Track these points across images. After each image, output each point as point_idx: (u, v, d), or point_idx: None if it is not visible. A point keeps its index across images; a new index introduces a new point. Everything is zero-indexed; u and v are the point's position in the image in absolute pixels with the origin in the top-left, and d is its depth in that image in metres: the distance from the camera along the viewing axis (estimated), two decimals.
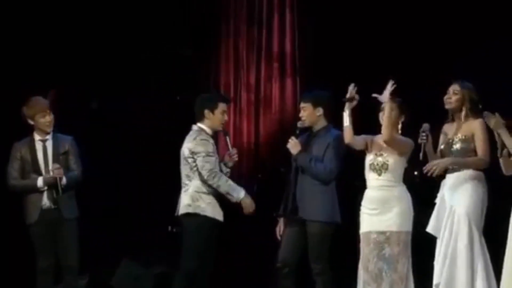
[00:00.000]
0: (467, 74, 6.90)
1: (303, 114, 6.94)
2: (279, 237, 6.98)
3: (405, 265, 6.47)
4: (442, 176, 6.51)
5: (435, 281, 6.43)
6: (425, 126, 6.50)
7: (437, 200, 6.53)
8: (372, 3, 9.02)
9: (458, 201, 6.37)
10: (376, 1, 9.01)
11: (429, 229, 6.50)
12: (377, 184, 6.55)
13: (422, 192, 6.82)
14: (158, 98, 9.67)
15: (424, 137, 6.44)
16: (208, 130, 6.97)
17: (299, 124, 6.94)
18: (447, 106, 6.55)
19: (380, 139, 6.57)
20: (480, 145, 6.40)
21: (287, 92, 9.56)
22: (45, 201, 7.06)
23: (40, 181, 7.05)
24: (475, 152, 6.42)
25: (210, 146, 6.87)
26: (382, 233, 6.49)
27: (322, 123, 6.93)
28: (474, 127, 6.43)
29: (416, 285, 6.61)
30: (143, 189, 9.52)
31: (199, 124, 7.03)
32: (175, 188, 9.48)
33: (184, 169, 7.01)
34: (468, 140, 6.43)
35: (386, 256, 6.46)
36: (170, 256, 9.16)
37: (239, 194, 6.77)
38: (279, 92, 9.56)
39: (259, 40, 9.63)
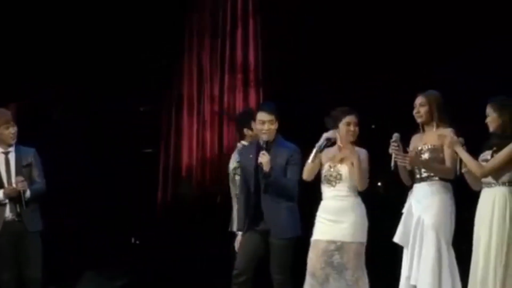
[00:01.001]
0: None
1: (270, 127, 6.75)
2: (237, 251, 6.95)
3: (354, 275, 6.49)
4: (409, 187, 6.55)
5: None
6: (396, 135, 6.48)
7: (404, 210, 6.54)
8: (334, 13, 9.07)
9: (425, 212, 6.36)
10: (337, 12, 9.06)
11: (396, 239, 6.49)
12: (332, 194, 6.55)
13: (386, 202, 6.85)
14: (120, 110, 9.64)
15: (396, 147, 6.45)
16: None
17: (265, 138, 6.71)
18: (418, 120, 6.50)
19: (333, 151, 6.62)
20: (449, 155, 6.38)
21: (250, 103, 9.56)
22: (8, 214, 6.97)
23: (0, 194, 6.99)
24: (443, 162, 6.41)
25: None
26: (333, 242, 6.48)
27: (275, 135, 6.84)
28: (443, 136, 6.42)
29: None
30: (106, 201, 9.47)
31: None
32: (138, 200, 9.53)
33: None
34: (438, 150, 6.41)
35: (335, 264, 6.45)
36: (133, 268, 9.17)
37: None
38: (243, 103, 9.58)
39: (222, 52, 9.64)
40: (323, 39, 9.14)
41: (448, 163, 6.36)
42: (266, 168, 6.62)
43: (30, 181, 7.07)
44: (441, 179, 6.40)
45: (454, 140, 6.22)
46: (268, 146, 6.69)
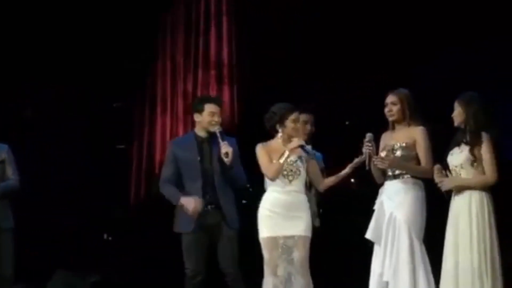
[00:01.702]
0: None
1: (219, 118, 6.87)
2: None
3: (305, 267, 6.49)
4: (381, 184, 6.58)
5: (371, 287, 6.42)
6: (369, 135, 6.50)
7: (376, 207, 6.57)
8: (309, 11, 9.09)
9: (398, 208, 6.39)
10: (313, 10, 9.08)
11: (368, 235, 6.52)
12: (287, 189, 6.55)
13: (360, 200, 6.86)
14: (94, 105, 9.60)
15: (370, 147, 6.47)
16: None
17: (217, 129, 6.77)
18: (390, 119, 6.54)
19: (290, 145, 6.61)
20: (423, 154, 6.42)
21: (224, 100, 9.57)
22: None
23: None
24: (416, 159, 6.45)
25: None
26: (291, 237, 6.49)
27: None
28: (415, 134, 6.45)
29: None
30: (78, 197, 9.42)
31: None
32: (111, 196, 9.49)
33: None
34: (410, 147, 6.45)
35: (294, 261, 6.47)
36: (105, 265, 9.13)
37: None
38: None
39: (196, 48, 9.62)
40: (297, 36, 9.16)
41: (424, 163, 6.40)
42: (230, 158, 6.66)
43: (3, 177, 7.02)
44: (413, 176, 6.43)
45: (393, 161, 6.33)
46: (207, 138, 6.82)
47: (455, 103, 6.26)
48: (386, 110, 6.54)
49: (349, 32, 9.04)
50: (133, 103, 9.84)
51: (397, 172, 6.46)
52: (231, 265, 6.73)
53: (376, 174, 6.55)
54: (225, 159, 6.66)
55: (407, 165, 6.42)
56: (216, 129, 6.75)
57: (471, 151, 6.13)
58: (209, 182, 6.76)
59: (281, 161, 6.48)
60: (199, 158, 6.77)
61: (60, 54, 9.38)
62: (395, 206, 6.39)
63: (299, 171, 6.57)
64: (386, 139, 6.58)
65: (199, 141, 6.83)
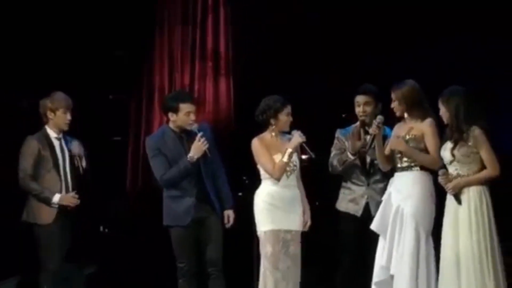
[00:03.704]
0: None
1: (195, 116, 6.86)
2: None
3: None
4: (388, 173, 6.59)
5: (375, 279, 6.46)
6: (380, 117, 6.56)
7: (383, 198, 6.56)
8: (306, 3, 9.08)
9: (405, 201, 6.40)
10: (311, 1, 9.08)
11: (373, 226, 6.52)
12: (285, 183, 6.59)
13: None
14: (90, 97, 9.58)
15: (378, 129, 6.48)
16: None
17: (194, 127, 6.77)
18: (397, 114, 6.58)
19: (281, 142, 6.62)
20: (431, 145, 6.43)
21: (221, 91, 9.56)
22: None
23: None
24: (425, 151, 6.45)
25: None
26: (289, 231, 6.53)
27: None
28: (424, 127, 6.46)
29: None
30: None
31: None
32: (109, 188, 9.47)
33: None
34: (418, 139, 6.46)
35: (291, 254, 6.51)
36: (102, 256, 9.12)
37: None
38: (213, 91, 9.56)
39: (193, 39, 9.62)
40: (293, 28, 9.15)
41: (432, 152, 6.39)
42: (209, 153, 6.70)
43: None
44: (421, 168, 6.43)
45: (399, 143, 6.35)
46: (185, 132, 6.81)
47: (438, 102, 6.28)
48: (391, 105, 6.58)
49: (346, 25, 9.04)
50: (130, 95, 9.82)
51: (405, 164, 6.48)
52: (218, 257, 6.78)
53: (380, 160, 6.57)
54: (209, 155, 6.71)
55: (414, 152, 6.42)
56: (194, 127, 6.75)
57: (453, 149, 6.15)
58: (198, 176, 6.77)
59: (285, 160, 6.51)
60: (184, 154, 6.75)
61: (55, 45, 9.35)
62: (402, 199, 6.40)
63: (296, 166, 6.60)
64: (398, 130, 6.60)
65: (178, 136, 6.82)
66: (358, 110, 6.81)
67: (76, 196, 6.98)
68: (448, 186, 6.18)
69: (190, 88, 9.51)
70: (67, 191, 7.02)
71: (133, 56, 9.74)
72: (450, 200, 6.23)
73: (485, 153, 6.14)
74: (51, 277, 6.98)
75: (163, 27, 9.77)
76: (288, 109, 6.60)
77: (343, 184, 6.91)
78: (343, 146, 6.86)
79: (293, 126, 6.69)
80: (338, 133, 6.96)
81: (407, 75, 6.65)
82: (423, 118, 6.47)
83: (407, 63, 8.73)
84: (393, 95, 6.53)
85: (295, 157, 6.61)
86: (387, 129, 6.79)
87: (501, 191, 6.32)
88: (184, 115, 6.74)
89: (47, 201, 6.90)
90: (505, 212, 6.44)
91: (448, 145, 6.23)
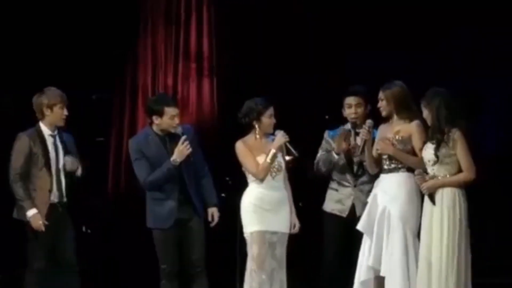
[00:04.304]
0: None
1: (179, 119, 6.86)
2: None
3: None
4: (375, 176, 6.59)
5: (361, 278, 6.48)
6: (369, 122, 6.57)
7: (369, 199, 6.58)
8: (291, 3, 9.09)
9: (392, 203, 6.42)
10: (295, 1, 9.09)
11: (360, 227, 6.53)
12: (270, 185, 6.59)
13: None
14: (73, 96, 9.53)
15: (367, 133, 6.51)
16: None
17: (179, 130, 6.77)
18: (383, 114, 6.59)
19: (263, 143, 6.62)
20: (418, 147, 6.43)
21: (204, 92, 9.54)
22: None
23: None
24: (412, 153, 6.48)
25: None
26: (275, 233, 6.53)
27: None
28: (411, 129, 6.48)
29: None
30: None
31: None
32: (92, 189, 9.43)
33: None
34: (405, 141, 6.48)
35: (277, 256, 6.52)
36: (84, 256, 9.08)
37: None
38: (197, 92, 9.55)
39: (176, 40, 9.59)
40: (277, 29, 9.15)
41: (419, 154, 6.41)
42: (192, 157, 6.70)
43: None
44: (408, 170, 6.44)
45: (387, 147, 6.37)
46: (168, 135, 6.80)
47: (421, 104, 6.31)
48: (378, 105, 6.58)
49: (330, 25, 9.04)
50: (113, 95, 9.78)
51: (392, 165, 6.50)
52: (201, 258, 6.79)
53: (368, 163, 6.58)
54: (191, 159, 6.71)
55: (402, 155, 6.43)
56: (178, 131, 6.75)
57: (437, 150, 6.19)
58: (180, 179, 6.77)
59: (269, 160, 6.51)
60: (167, 157, 6.74)
61: (38, 43, 9.30)
62: (389, 200, 6.42)
63: (281, 167, 6.60)
64: (384, 131, 6.60)
65: (162, 139, 6.82)
66: (349, 111, 6.82)
67: (46, 223, 6.84)
68: (423, 186, 6.20)
69: (173, 89, 9.49)
70: (59, 189, 6.95)
71: (116, 56, 9.69)
72: (427, 201, 6.27)
73: (462, 156, 6.19)
74: (35, 276, 6.89)
75: (146, 27, 9.73)
76: (270, 111, 6.60)
77: (330, 185, 6.94)
78: (329, 148, 6.87)
79: (278, 127, 6.69)
80: (327, 134, 6.97)
81: (392, 76, 6.68)
82: (410, 120, 6.49)
83: (390, 64, 8.74)
84: (382, 95, 6.54)
85: (280, 158, 6.60)
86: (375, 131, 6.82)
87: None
88: (169, 119, 6.75)
89: (23, 211, 6.84)
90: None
91: (429, 145, 6.26)
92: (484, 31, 8.87)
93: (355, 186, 6.81)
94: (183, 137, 6.67)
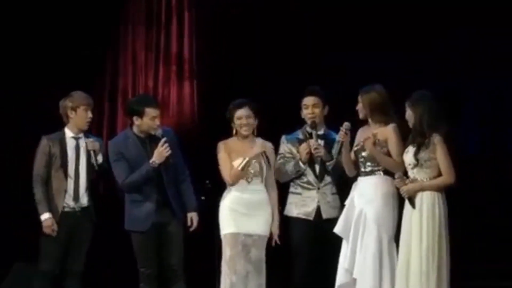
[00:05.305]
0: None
1: (159, 120, 6.87)
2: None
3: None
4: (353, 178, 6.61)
5: (338, 282, 6.51)
6: (347, 124, 6.59)
7: (346, 202, 6.60)
8: (272, 5, 9.11)
9: (368, 205, 6.46)
10: (276, 3, 9.10)
11: (337, 230, 6.56)
12: (248, 188, 6.64)
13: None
14: (52, 97, 9.50)
15: (345, 134, 6.53)
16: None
17: (159, 132, 6.79)
18: (360, 117, 6.65)
19: (241, 145, 6.66)
20: (394, 150, 6.49)
21: (184, 95, 9.55)
22: None
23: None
24: (388, 156, 6.52)
25: None
26: (250, 236, 6.55)
27: None
28: (386, 132, 6.53)
29: None
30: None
31: None
32: None
33: None
34: (381, 144, 6.53)
35: (253, 259, 6.53)
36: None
37: None
38: (177, 95, 9.54)
39: (157, 42, 9.60)
40: (258, 31, 9.17)
41: (395, 157, 6.43)
42: (171, 159, 6.71)
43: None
44: (385, 173, 6.47)
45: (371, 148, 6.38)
46: (150, 137, 6.81)
47: (405, 104, 6.34)
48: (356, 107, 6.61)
49: (313, 26, 9.06)
50: (92, 96, 9.75)
51: (369, 168, 6.54)
52: (179, 261, 6.82)
53: (347, 165, 6.60)
54: (171, 161, 6.72)
55: (379, 154, 6.47)
56: (158, 133, 6.75)
57: (417, 153, 6.24)
58: (159, 181, 6.78)
59: (239, 168, 6.54)
60: (147, 159, 6.74)
61: (17, 44, 9.27)
62: (365, 202, 6.46)
63: (257, 172, 6.59)
64: (362, 134, 6.66)
65: (142, 141, 6.83)
66: (306, 112, 6.86)
67: (56, 228, 6.88)
68: (403, 190, 6.23)
69: (154, 91, 9.49)
70: (76, 191, 6.96)
71: (96, 56, 9.67)
72: (407, 204, 6.30)
73: (442, 161, 6.24)
74: (41, 277, 6.94)
75: (127, 29, 9.73)
76: (241, 112, 6.62)
77: (292, 189, 6.93)
78: (288, 154, 6.87)
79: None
80: (284, 139, 6.97)
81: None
82: (386, 123, 6.51)
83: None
84: (359, 98, 6.58)
85: (256, 164, 6.61)
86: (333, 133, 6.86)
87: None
88: (149, 120, 6.74)
89: (38, 212, 6.88)
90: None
91: (410, 149, 6.29)
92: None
93: (318, 188, 6.82)
94: (163, 139, 6.67)
